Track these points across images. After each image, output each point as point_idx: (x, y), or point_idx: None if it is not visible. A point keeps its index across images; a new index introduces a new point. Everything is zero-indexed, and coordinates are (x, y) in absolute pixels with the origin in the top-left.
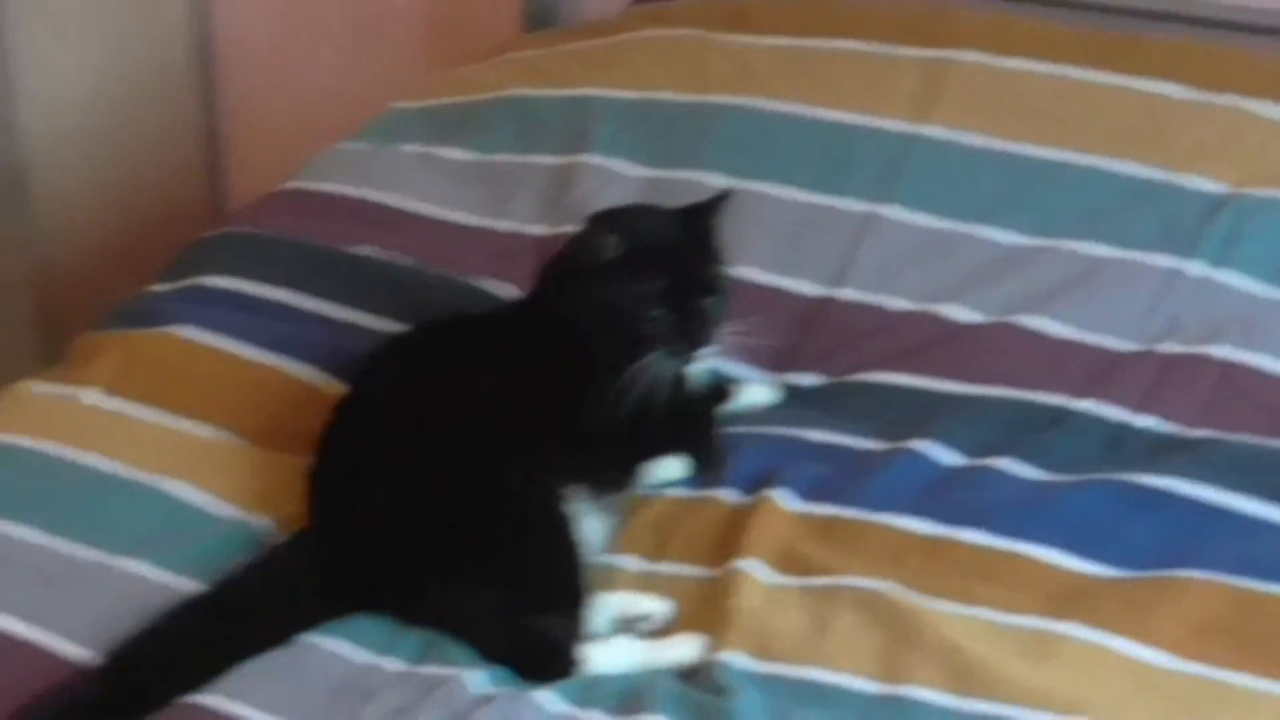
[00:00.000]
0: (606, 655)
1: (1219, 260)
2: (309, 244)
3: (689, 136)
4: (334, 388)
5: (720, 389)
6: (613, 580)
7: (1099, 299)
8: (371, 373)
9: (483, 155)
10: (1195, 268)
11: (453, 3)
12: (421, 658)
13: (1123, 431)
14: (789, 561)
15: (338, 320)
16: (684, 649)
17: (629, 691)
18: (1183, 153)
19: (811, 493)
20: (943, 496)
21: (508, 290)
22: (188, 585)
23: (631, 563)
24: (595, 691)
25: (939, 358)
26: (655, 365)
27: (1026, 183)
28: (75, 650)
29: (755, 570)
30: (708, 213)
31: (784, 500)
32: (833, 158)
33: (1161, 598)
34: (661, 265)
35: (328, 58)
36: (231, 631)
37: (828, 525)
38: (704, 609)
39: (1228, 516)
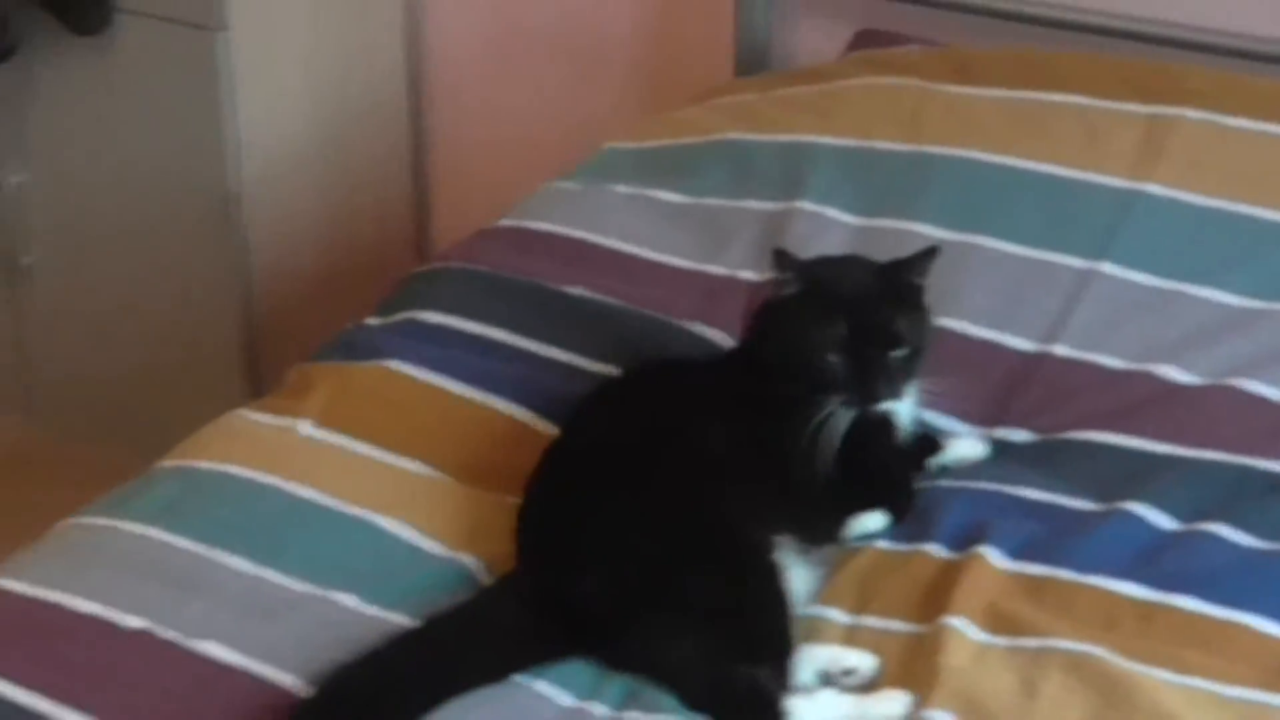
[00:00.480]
0: (812, 708)
1: None
2: (522, 282)
3: (905, 186)
4: (544, 427)
5: (930, 441)
6: (817, 632)
7: None
8: (584, 415)
9: (696, 199)
10: None
11: (667, 45)
12: (624, 704)
13: None
14: (998, 620)
15: (549, 359)
16: (890, 705)
17: None
18: None
19: (1022, 551)
20: (1157, 561)
21: (717, 335)
22: (396, 619)
23: (836, 615)
24: None
25: (1155, 418)
26: (832, 413)
27: (1249, 244)
28: (284, 678)
29: (964, 628)
30: (910, 268)
31: (994, 557)
32: (1051, 213)
33: None
34: (842, 312)
35: (536, 95)
36: (442, 668)
37: (1038, 585)
38: (910, 665)
39: None
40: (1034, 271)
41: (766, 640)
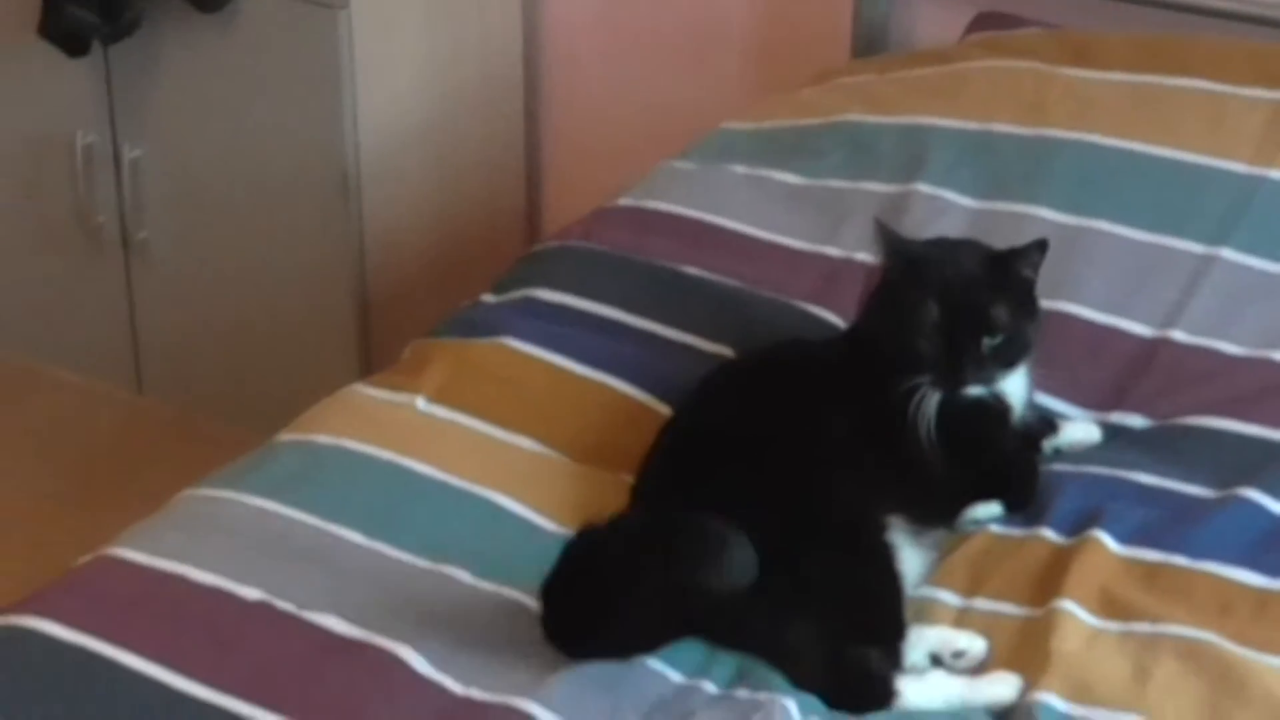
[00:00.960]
0: (923, 690)
1: None
2: (639, 261)
3: (1025, 170)
4: (659, 407)
5: (1047, 423)
6: (928, 614)
7: None
8: (702, 396)
9: (813, 180)
10: None
11: (782, 25)
12: (733, 682)
13: None
14: (1111, 605)
15: (666, 339)
16: (1001, 688)
17: None
18: None
19: (1136, 536)
20: (1274, 549)
21: (834, 317)
22: (510, 595)
23: (947, 597)
24: None
25: (1274, 406)
26: (925, 395)
27: None
28: (399, 650)
29: (1076, 612)
30: (1018, 257)
31: (1108, 542)
32: (1172, 198)
33: None
34: (936, 295)
35: (650, 75)
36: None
37: (1153, 571)
38: (1021, 648)
39: None
40: (1153, 257)
41: (879, 621)
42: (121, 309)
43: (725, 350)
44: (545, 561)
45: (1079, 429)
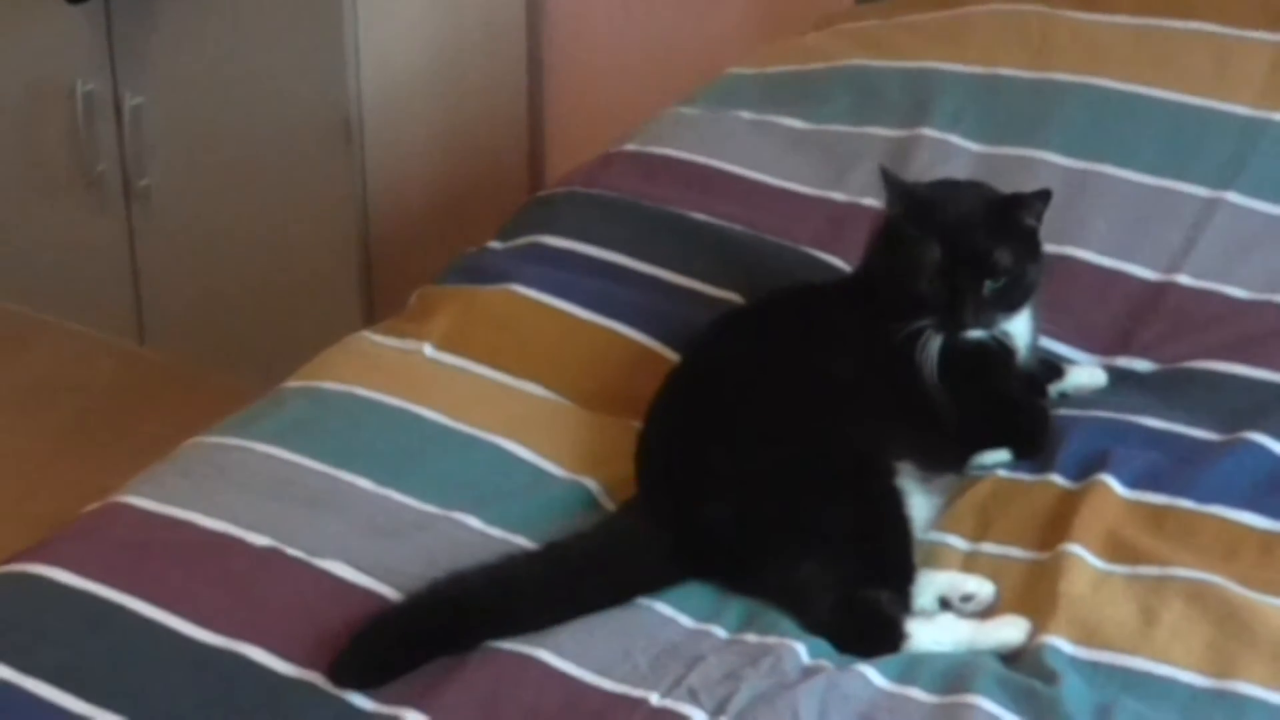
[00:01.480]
0: (931, 633)
1: None
2: (646, 207)
3: (1030, 114)
4: (666, 352)
5: (1053, 367)
6: (936, 558)
7: None
8: (709, 341)
9: (819, 125)
10: None
11: None
12: (743, 626)
13: None
14: (1118, 549)
15: (672, 285)
16: (1009, 631)
17: (952, 671)
18: None
19: (1143, 480)
20: (1279, 491)
21: (839, 262)
22: (518, 540)
23: (956, 541)
24: (918, 669)
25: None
26: (927, 338)
27: None
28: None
29: (1084, 555)
30: (1021, 204)
31: (1115, 486)
32: (1177, 141)
33: None
34: (938, 237)
35: (654, 20)
36: (563, 587)
37: (1159, 514)
38: (1029, 592)
39: None
40: (1158, 200)
41: (888, 565)
42: (123, 258)
43: (731, 295)
44: (553, 507)
45: (1085, 373)
